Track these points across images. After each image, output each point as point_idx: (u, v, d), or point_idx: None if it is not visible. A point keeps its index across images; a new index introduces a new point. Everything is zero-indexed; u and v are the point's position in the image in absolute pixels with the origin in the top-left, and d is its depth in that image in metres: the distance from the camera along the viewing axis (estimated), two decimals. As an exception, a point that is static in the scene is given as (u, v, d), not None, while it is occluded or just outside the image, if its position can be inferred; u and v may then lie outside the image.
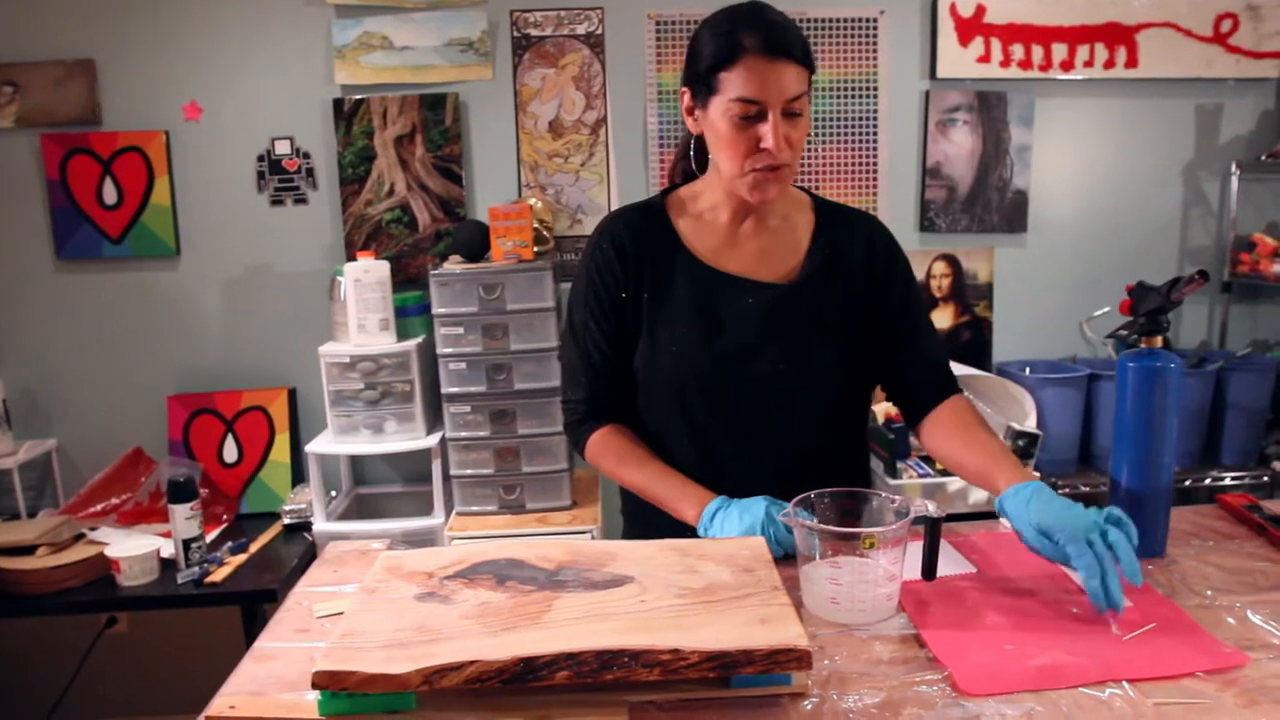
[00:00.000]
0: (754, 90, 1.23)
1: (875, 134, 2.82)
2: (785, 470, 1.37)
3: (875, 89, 2.80)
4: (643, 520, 1.46)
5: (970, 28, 2.76)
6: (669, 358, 1.38)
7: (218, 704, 0.99)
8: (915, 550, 1.20)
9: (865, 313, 1.40)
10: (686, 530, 1.35)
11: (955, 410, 1.42)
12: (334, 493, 2.70)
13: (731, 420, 1.39)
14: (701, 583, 1.11)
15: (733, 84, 1.24)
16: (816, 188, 2.82)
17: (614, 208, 2.77)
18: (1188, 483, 2.65)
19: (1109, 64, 2.80)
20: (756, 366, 1.36)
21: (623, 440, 1.44)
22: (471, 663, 0.93)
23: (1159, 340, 1.29)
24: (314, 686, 0.94)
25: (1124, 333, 1.32)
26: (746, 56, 1.22)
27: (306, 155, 2.73)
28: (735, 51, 1.23)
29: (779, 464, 1.39)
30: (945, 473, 2.51)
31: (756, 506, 1.29)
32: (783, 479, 1.31)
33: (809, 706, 0.96)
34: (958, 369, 2.57)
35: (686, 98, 1.35)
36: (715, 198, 1.41)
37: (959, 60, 2.77)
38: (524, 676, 0.93)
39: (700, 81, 1.29)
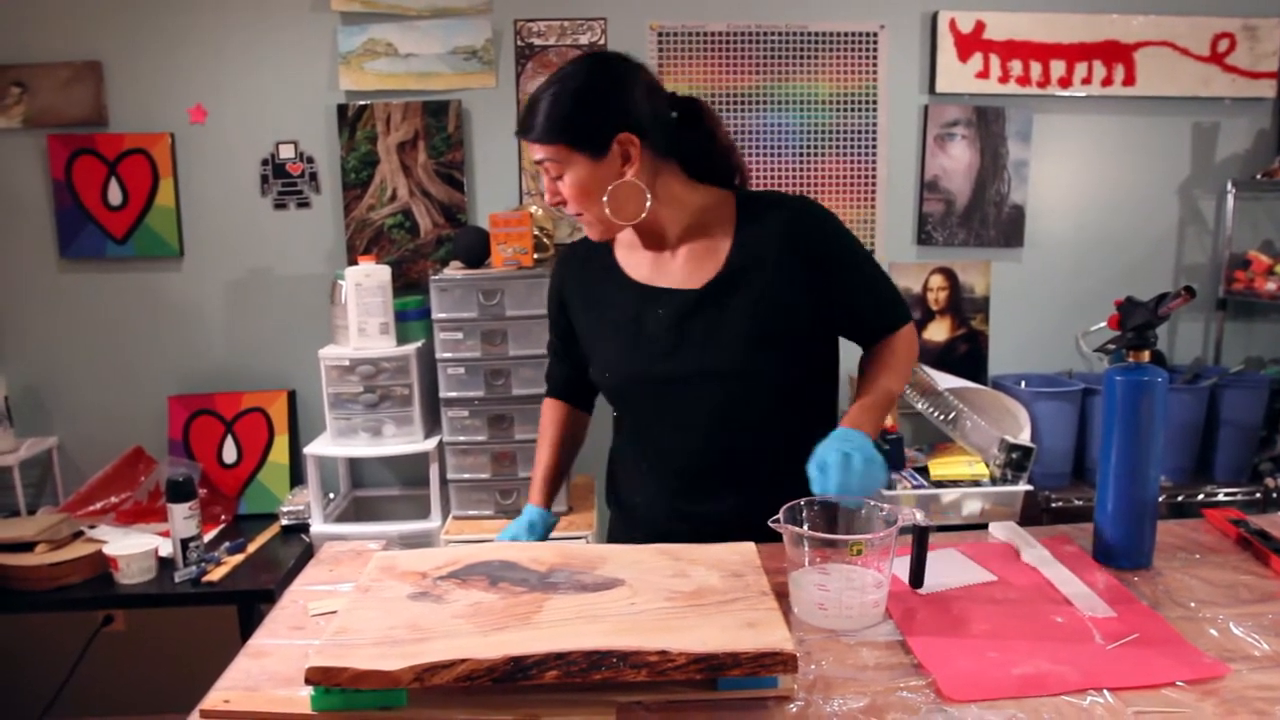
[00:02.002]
0: (532, 158, 1.46)
1: (874, 147, 2.84)
2: (735, 463, 1.45)
3: (874, 103, 2.82)
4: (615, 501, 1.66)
5: (969, 44, 2.78)
6: (605, 370, 1.52)
7: (212, 698, 1.00)
8: (943, 558, 1.21)
9: (808, 295, 1.42)
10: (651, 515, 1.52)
11: (878, 350, 1.49)
12: (332, 495, 2.72)
13: (668, 421, 1.48)
14: (691, 586, 1.12)
15: None
16: (816, 199, 2.83)
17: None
18: (1180, 498, 2.66)
19: (1107, 81, 2.83)
20: (671, 369, 1.44)
21: (548, 417, 1.69)
22: (462, 661, 0.94)
23: (1146, 355, 1.30)
24: (307, 682, 0.95)
25: (1112, 346, 1.34)
26: (518, 134, 1.43)
27: (310, 160, 2.76)
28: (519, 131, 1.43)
29: (723, 456, 1.46)
30: (939, 484, 2.53)
31: (522, 519, 1.57)
32: (732, 469, 1.44)
33: (794, 710, 0.97)
34: (953, 382, 2.60)
35: None
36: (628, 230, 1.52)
37: (958, 75, 2.80)
38: (514, 675, 0.95)
39: None
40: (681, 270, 1.47)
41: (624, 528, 1.62)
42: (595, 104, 1.35)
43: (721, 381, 1.42)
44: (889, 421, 2.60)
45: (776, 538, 1.20)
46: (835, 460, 1.26)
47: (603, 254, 1.54)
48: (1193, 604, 1.21)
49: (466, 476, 2.54)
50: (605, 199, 1.38)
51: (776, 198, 1.51)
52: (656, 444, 1.52)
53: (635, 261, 1.51)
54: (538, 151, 1.37)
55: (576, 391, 1.68)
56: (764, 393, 1.43)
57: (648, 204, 1.40)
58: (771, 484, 1.31)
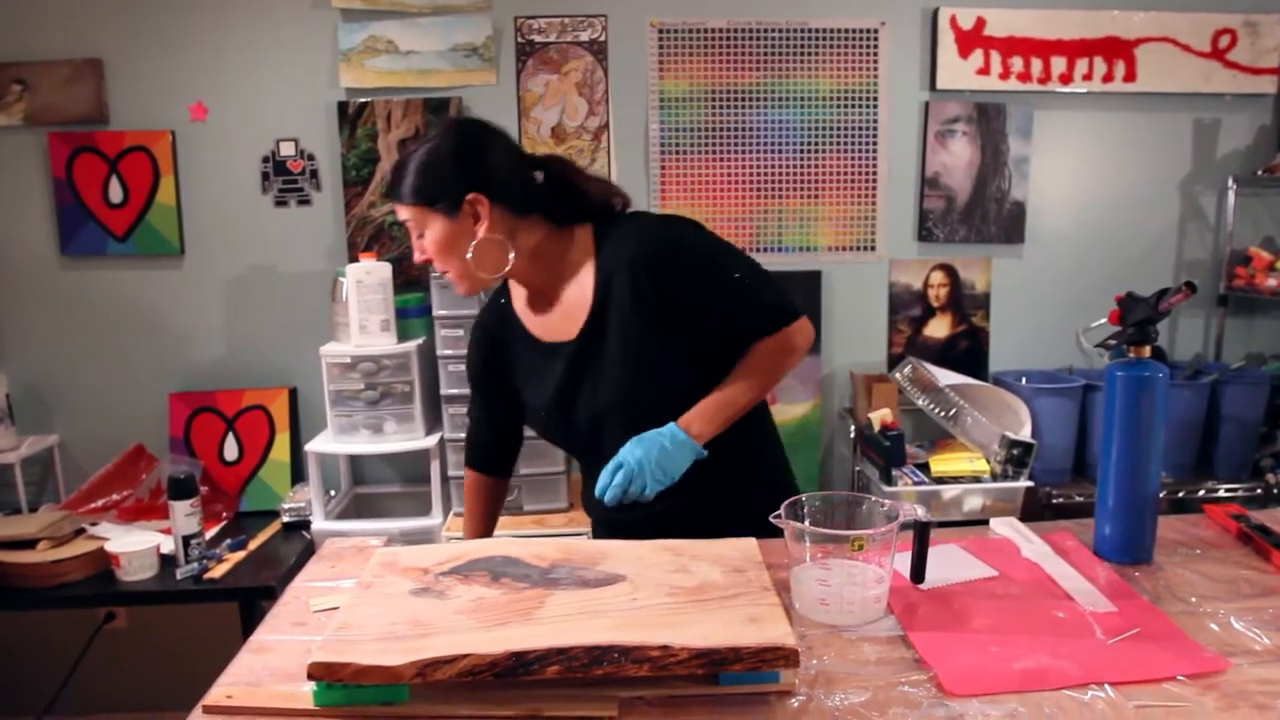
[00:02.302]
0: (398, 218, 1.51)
1: (875, 144, 2.84)
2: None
3: (875, 99, 2.82)
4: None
5: (970, 40, 2.78)
6: (534, 420, 1.62)
7: (215, 694, 1.01)
8: (944, 553, 1.21)
9: (673, 323, 1.46)
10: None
11: (748, 352, 1.51)
12: (333, 492, 2.72)
13: (589, 457, 1.58)
14: (693, 582, 1.12)
15: None
16: (816, 197, 2.84)
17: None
18: (1181, 494, 2.66)
19: (1108, 78, 2.83)
20: (573, 417, 1.53)
21: (471, 493, 1.75)
22: (464, 656, 0.95)
23: (1147, 350, 1.30)
24: (309, 677, 0.95)
25: (1113, 342, 1.34)
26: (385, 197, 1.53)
27: (311, 157, 2.76)
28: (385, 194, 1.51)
29: None
30: (940, 480, 2.53)
31: None
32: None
33: (795, 704, 0.97)
34: (954, 378, 2.60)
35: None
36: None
37: (959, 72, 2.80)
38: (516, 670, 0.95)
39: None
40: (563, 321, 1.53)
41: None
42: (447, 167, 1.43)
43: (619, 419, 1.48)
44: (889, 417, 2.60)
45: (724, 530, 1.28)
46: (631, 461, 1.40)
47: (510, 317, 1.60)
48: (1193, 599, 1.21)
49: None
50: (469, 255, 1.44)
51: (629, 229, 1.51)
52: (587, 470, 1.62)
53: (533, 318, 1.58)
54: (400, 212, 1.46)
55: (497, 459, 1.74)
56: (662, 414, 1.47)
57: (510, 258, 1.46)
58: (696, 479, 1.44)
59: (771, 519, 1.20)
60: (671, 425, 1.44)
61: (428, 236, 1.44)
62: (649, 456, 1.40)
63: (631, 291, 1.45)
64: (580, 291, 1.50)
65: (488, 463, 1.73)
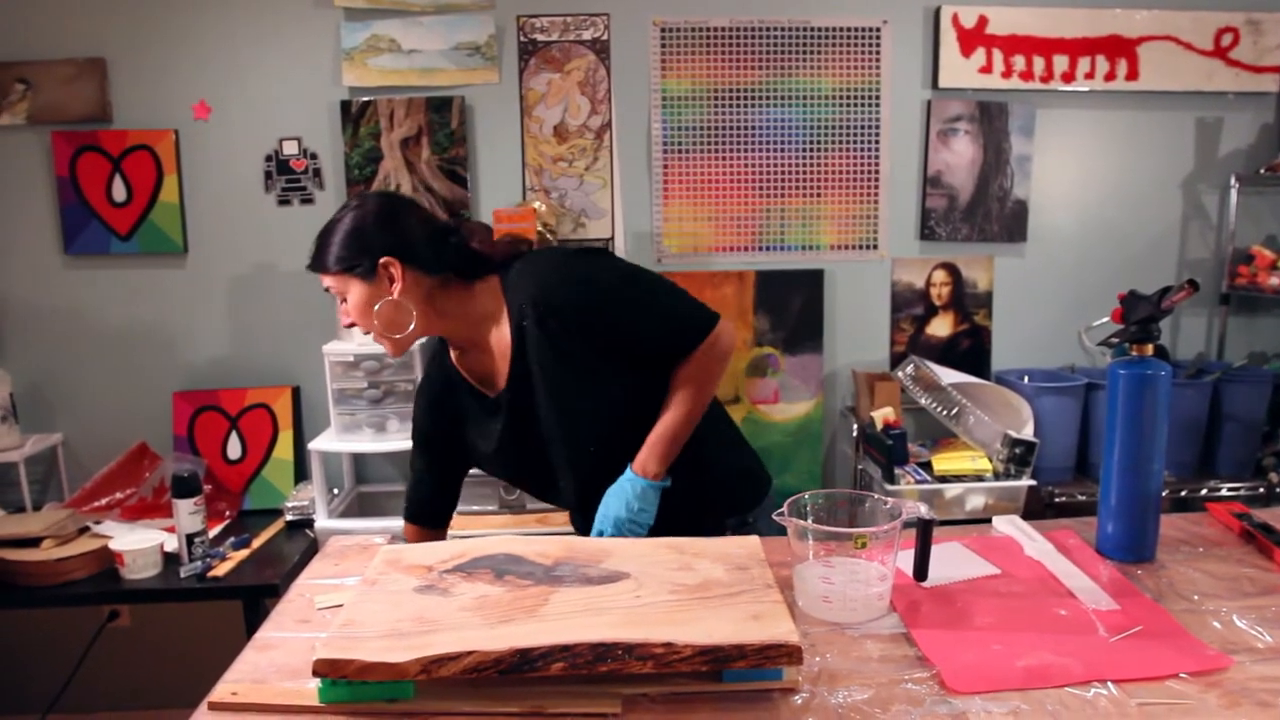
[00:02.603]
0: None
1: (877, 142, 2.84)
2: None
3: (877, 98, 2.82)
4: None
5: (972, 39, 2.78)
6: (486, 467, 1.68)
7: (221, 690, 1.01)
8: (947, 551, 1.21)
9: (592, 360, 1.50)
10: None
11: (676, 373, 1.54)
12: (336, 490, 2.72)
13: (554, 493, 1.67)
14: (696, 579, 1.13)
15: None
16: (819, 195, 2.84)
17: (617, 213, 2.80)
18: (1184, 493, 2.66)
19: (1110, 76, 2.83)
20: (517, 464, 1.62)
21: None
22: (469, 653, 0.95)
23: (1150, 348, 1.31)
24: (314, 674, 0.96)
25: (1115, 340, 1.34)
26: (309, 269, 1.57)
27: (314, 156, 2.76)
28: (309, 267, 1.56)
29: (592, 491, 1.56)
30: (942, 478, 2.53)
31: None
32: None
33: (799, 701, 0.98)
34: (957, 377, 2.60)
35: None
36: None
37: (961, 70, 2.80)
38: (520, 667, 0.95)
39: None
40: (491, 371, 1.59)
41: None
42: (360, 236, 1.49)
43: (563, 455, 1.56)
44: (891, 416, 2.60)
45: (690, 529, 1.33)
46: (608, 527, 1.49)
47: (453, 373, 1.65)
48: (1196, 597, 1.21)
49: (470, 472, 2.54)
50: (375, 318, 1.50)
51: (529, 272, 1.55)
52: (554, 501, 1.71)
53: (470, 370, 1.63)
54: (324, 281, 1.53)
55: (436, 514, 1.75)
56: (604, 438, 1.54)
57: (413, 318, 1.51)
58: (669, 495, 1.53)
59: (775, 517, 1.20)
60: (630, 475, 1.51)
61: (350, 300, 1.51)
62: (621, 518, 1.48)
63: (541, 333, 1.50)
64: (502, 340, 1.56)
65: (428, 518, 1.75)
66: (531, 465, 1.61)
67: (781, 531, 1.24)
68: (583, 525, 1.63)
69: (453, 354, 1.64)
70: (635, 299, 1.52)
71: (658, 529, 1.48)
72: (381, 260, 1.48)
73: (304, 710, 0.98)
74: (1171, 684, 1.00)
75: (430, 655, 0.95)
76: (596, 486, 1.54)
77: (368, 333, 1.55)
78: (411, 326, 1.51)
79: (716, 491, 1.65)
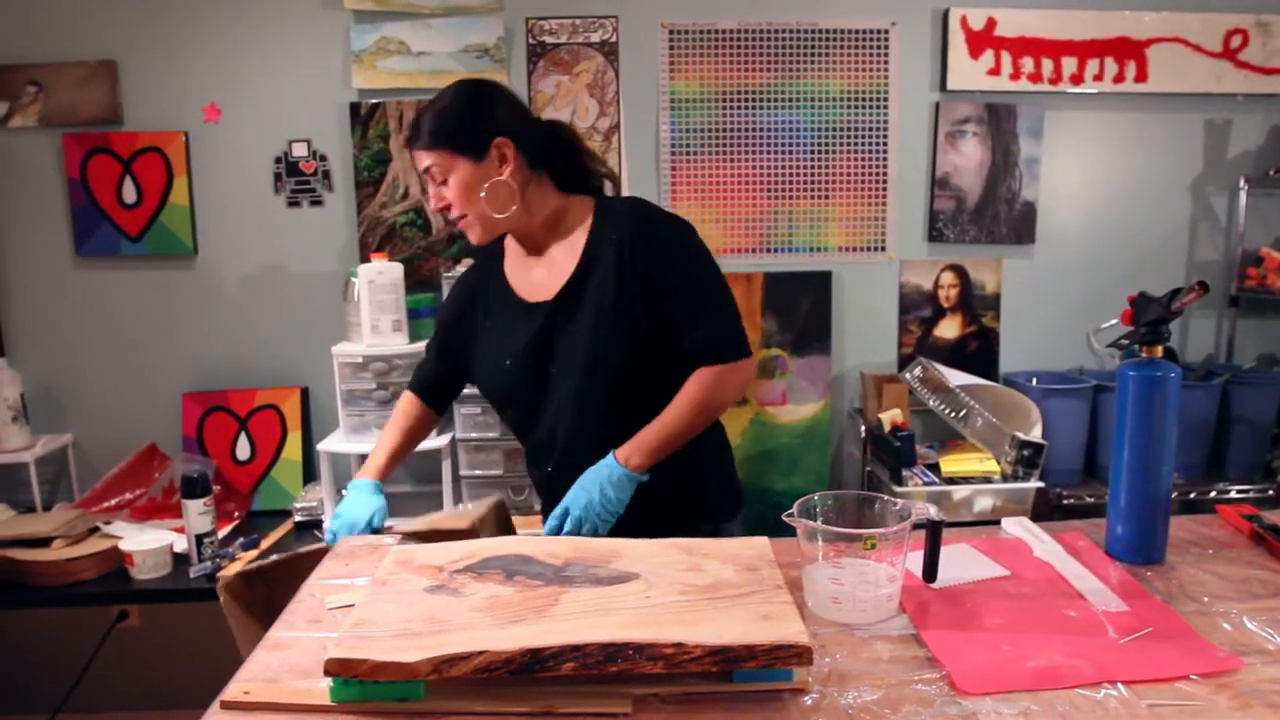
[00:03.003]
0: (419, 168, 1.57)
1: (885, 144, 2.84)
2: (596, 449, 1.56)
3: (886, 100, 2.82)
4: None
5: (981, 40, 2.78)
6: (490, 374, 1.67)
7: (233, 689, 1.02)
8: (956, 553, 1.21)
9: (640, 307, 1.54)
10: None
11: (690, 379, 1.57)
12: (345, 491, 2.72)
13: (532, 423, 1.66)
14: (706, 580, 1.13)
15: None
16: (827, 197, 2.84)
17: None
18: (1193, 495, 2.66)
19: (1119, 78, 2.82)
20: (543, 370, 1.60)
21: (402, 409, 1.80)
22: (480, 653, 0.95)
23: (1159, 350, 1.30)
24: (326, 673, 0.96)
25: (1125, 342, 1.34)
26: (407, 148, 1.60)
27: (323, 158, 2.77)
28: (407, 144, 1.58)
29: (585, 441, 1.57)
30: (951, 480, 2.53)
31: (360, 493, 1.68)
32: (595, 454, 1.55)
33: (809, 702, 0.98)
34: (965, 379, 2.60)
35: None
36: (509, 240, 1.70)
37: (969, 72, 2.79)
38: (531, 667, 0.95)
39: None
40: (546, 281, 1.61)
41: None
42: (473, 114, 1.52)
43: (573, 383, 1.56)
44: (899, 418, 2.60)
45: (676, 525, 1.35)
46: (576, 509, 1.50)
47: (495, 277, 1.68)
48: (1206, 598, 1.21)
49: (479, 473, 2.55)
50: (483, 195, 1.52)
51: (627, 207, 1.61)
52: (522, 436, 1.71)
53: (519, 278, 1.66)
54: (425, 159, 1.53)
55: (439, 392, 1.81)
56: (612, 396, 1.55)
57: (516, 202, 1.54)
58: (641, 492, 1.53)
59: (784, 518, 1.20)
60: (611, 460, 1.52)
61: (453, 181, 1.52)
62: (592, 501, 1.49)
63: (615, 262, 1.53)
64: (568, 254, 1.59)
65: (429, 391, 1.80)
66: (535, 384, 1.61)
67: (789, 531, 1.24)
68: (547, 479, 1.64)
69: (508, 257, 1.67)
70: (703, 280, 1.57)
71: (633, 526, 1.47)
72: (496, 140, 1.50)
73: (316, 709, 0.98)
74: (1182, 686, 0.99)
75: (441, 655, 0.95)
76: (579, 439, 1.55)
77: (460, 216, 1.55)
78: (512, 210, 1.53)
79: (699, 493, 1.66)
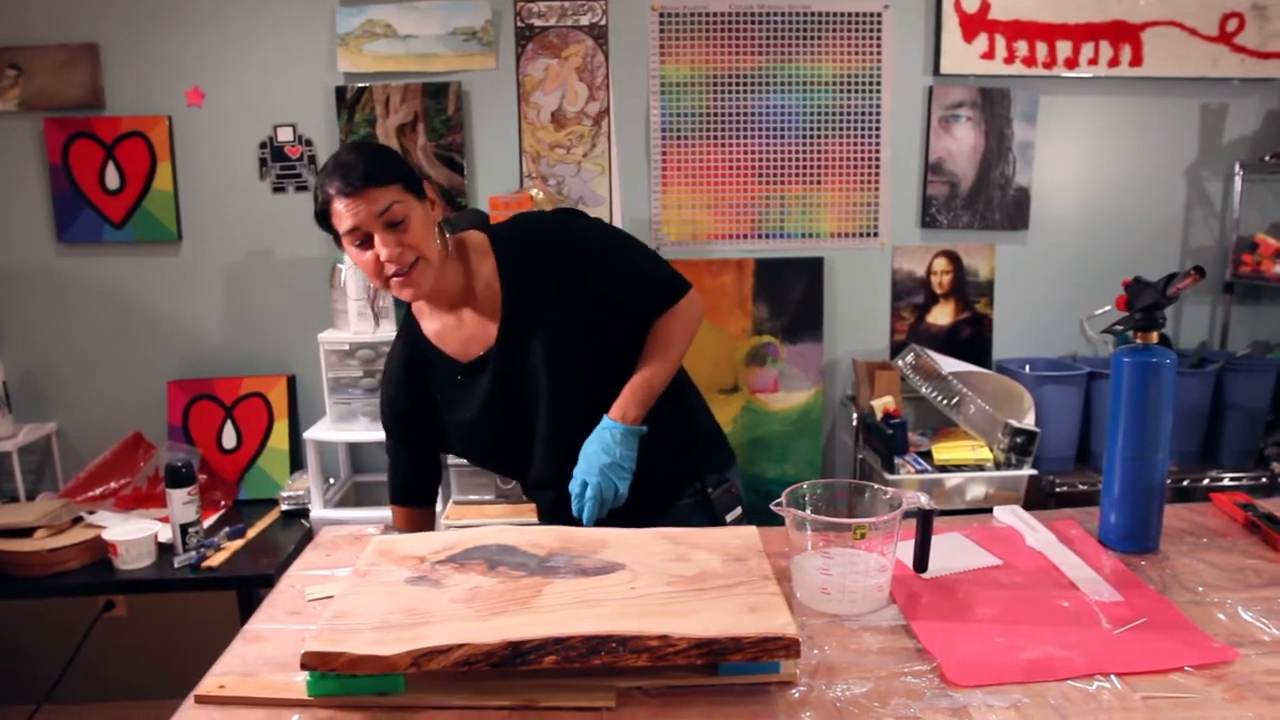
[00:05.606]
0: (349, 224, 1.41)
1: (878, 129, 2.81)
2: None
3: (878, 84, 2.79)
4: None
5: (975, 24, 2.75)
6: (463, 440, 1.63)
7: (208, 684, 0.99)
8: (948, 542, 1.20)
9: (591, 316, 1.54)
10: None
11: (652, 329, 1.59)
12: (332, 480, 2.71)
13: (513, 467, 1.66)
14: (692, 570, 1.11)
15: (339, 222, 1.42)
16: (819, 182, 2.82)
17: (616, 200, 2.77)
18: (1186, 482, 2.64)
19: (1114, 62, 2.80)
20: (496, 434, 1.58)
21: (401, 526, 1.70)
22: (460, 646, 0.93)
23: (1154, 336, 1.29)
24: (303, 667, 0.94)
25: (1119, 328, 1.32)
26: (334, 200, 1.41)
27: (309, 143, 2.73)
28: (325, 199, 1.42)
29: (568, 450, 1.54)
30: (943, 468, 2.52)
31: None
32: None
33: (796, 695, 0.96)
34: (957, 365, 2.58)
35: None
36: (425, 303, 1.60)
37: (963, 56, 2.76)
38: (512, 660, 0.93)
39: (326, 227, 1.47)
40: (474, 332, 1.56)
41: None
42: (399, 155, 1.50)
43: (548, 420, 1.55)
44: (891, 405, 2.58)
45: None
46: (593, 475, 1.46)
47: (424, 346, 1.60)
48: (1200, 588, 1.19)
49: (473, 498, 2.53)
50: (436, 239, 1.47)
51: (519, 224, 1.60)
52: (526, 479, 1.68)
53: (447, 337, 1.59)
54: (384, 198, 1.40)
55: (422, 492, 1.72)
56: (586, 404, 1.53)
57: (447, 247, 1.51)
58: (643, 449, 1.52)
59: (773, 506, 1.18)
60: (608, 423, 1.50)
61: (413, 220, 1.43)
62: (604, 463, 1.46)
63: (539, 271, 1.52)
64: (488, 296, 1.54)
65: (414, 496, 1.71)
66: (512, 430, 1.58)
67: (779, 521, 1.22)
68: (554, 504, 1.60)
69: (426, 326, 1.61)
70: (620, 253, 1.59)
71: (639, 480, 1.49)
72: (425, 183, 1.49)
73: (292, 704, 0.96)
74: (1176, 677, 0.98)
75: (421, 648, 0.93)
76: (573, 460, 1.52)
77: (414, 262, 1.43)
78: (442, 254, 1.49)
79: (697, 447, 1.68)
